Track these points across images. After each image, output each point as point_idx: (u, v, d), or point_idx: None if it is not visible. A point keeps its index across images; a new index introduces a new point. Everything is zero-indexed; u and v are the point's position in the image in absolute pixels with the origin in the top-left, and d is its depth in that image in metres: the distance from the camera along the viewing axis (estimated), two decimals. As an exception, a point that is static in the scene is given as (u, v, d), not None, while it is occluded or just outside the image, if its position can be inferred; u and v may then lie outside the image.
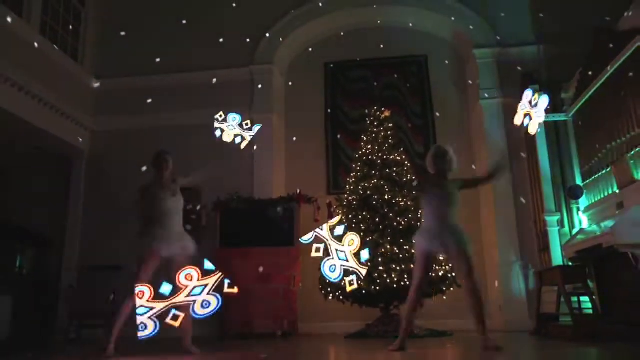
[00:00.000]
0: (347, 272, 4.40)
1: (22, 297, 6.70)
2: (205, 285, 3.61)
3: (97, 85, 8.23)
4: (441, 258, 5.97)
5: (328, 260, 4.30)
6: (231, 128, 5.11)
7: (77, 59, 7.99)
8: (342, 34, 8.43)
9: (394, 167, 6.62)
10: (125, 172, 7.38)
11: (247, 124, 5.12)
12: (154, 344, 5.29)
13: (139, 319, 3.53)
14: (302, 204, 7.01)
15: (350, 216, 6.51)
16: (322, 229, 4.36)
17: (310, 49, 8.52)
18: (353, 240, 4.33)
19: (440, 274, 6.04)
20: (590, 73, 5.99)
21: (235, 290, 3.77)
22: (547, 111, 6.74)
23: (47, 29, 7.31)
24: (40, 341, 6.70)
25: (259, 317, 6.49)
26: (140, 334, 3.52)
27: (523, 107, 4.66)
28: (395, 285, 5.93)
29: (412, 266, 6.01)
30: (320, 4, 8.15)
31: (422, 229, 4.45)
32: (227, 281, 3.71)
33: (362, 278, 4.45)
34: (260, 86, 7.95)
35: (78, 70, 7.94)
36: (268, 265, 6.59)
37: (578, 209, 6.47)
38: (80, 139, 7.83)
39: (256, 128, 5.12)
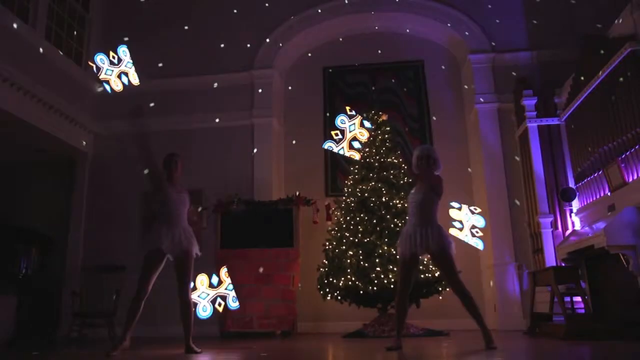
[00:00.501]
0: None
1: (26, 297, 6.80)
2: None
3: (100, 89, 8.34)
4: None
5: None
6: (109, 72, 4.66)
7: (81, 64, 8.10)
8: (340, 39, 8.57)
9: (391, 169, 6.73)
10: (128, 175, 7.53)
11: (113, 57, 4.70)
12: (154, 344, 5.41)
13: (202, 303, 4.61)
14: (300, 206, 7.11)
15: (348, 218, 6.62)
16: None
17: (310, 54, 8.66)
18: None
19: (437, 274, 6.14)
20: (582, 78, 6.08)
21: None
22: (540, 115, 6.97)
23: (52, 34, 7.42)
24: (44, 340, 6.80)
25: (258, 316, 6.60)
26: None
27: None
28: (392, 286, 6.02)
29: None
30: (320, 10, 8.28)
31: (402, 231, 4.44)
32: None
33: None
34: (260, 90, 8.07)
35: (82, 74, 8.04)
36: (268, 265, 6.70)
37: (571, 211, 6.56)
38: (84, 142, 7.94)
39: (122, 50, 4.68)
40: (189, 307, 4.34)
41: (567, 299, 5.89)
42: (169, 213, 4.37)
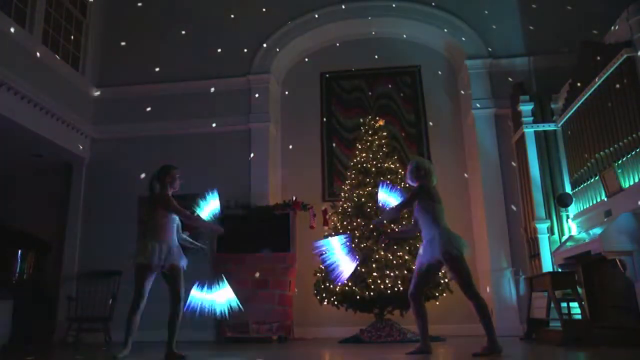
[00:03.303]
0: None
1: (22, 301, 6.77)
2: None
3: (97, 93, 8.33)
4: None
5: None
6: None
7: (78, 68, 8.08)
8: (337, 44, 8.58)
9: (387, 175, 6.73)
10: (125, 179, 7.53)
11: None
12: (144, 348, 5.38)
13: None
14: (297, 210, 7.11)
15: (345, 223, 6.62)
16: None
17: (307, 59, 8.67)
18: None
19: (433, 279, 6.13)
20: (578, 84, 6.10)
21: None
22: (536, 121, 7.00)
23: (49, 38, 7.39)
24: (39, 345, 6.77)
25: (255, 322, 6.58)
26: None
27: None
28: (389, 291, 6.03)
29: (405, 272, 6.14)
30: (317, 15, 8.29)
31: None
32: None
33: None
34: (257, 95, 8.07)
35: (79, 79, 8.03)
36: (264, 270, 6.69)
37: (567, 217, 6.56)
38: (81, 147, 7.91)
39: None
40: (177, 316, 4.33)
41: (564, 304, 5.88)
42: (163, 229, 4.37)
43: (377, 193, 5.14)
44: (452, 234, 4.23)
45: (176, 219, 4.48)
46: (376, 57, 8.39)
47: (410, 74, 8.47)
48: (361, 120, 7.40)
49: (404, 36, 8.47)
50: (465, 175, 7.90)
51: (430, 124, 8.18)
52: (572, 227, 6.49)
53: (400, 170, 6.82)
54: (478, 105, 7.61)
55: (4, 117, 6.38)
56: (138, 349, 4.71)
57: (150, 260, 4.24)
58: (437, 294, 6.24)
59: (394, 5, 8.17)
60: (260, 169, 7.77)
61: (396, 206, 4.63)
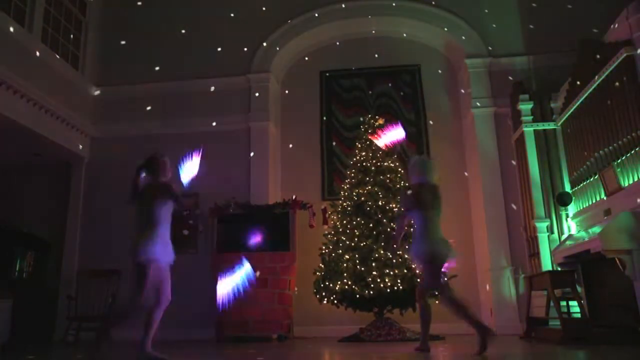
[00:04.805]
0: None
1: (21, 301, 6.77)
2: None
3: (97, 92, 8.33)
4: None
5: None
6: None
7: (77, 67, 8.08)
8: (337, 43, 8.59)
9: (387, 173, 6.74)
10: (125, 179, 7.47)
11: None
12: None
13: None
14: (297, 209, 7.10)
15: (344, 222, 6.62)
16: None
17: (307, 58, 8.67)
18: None
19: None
20: (578, 83, 6.10)
21: None
22: (536, 119, 7.00)
23: (49, 37, 7.39)
24: (39, 344, 6.77)
25: (254, 320, 6.58)
26: None
27: None
28: (388, 290, 6.03)
29: (405, 271, 6.15)
30: (317, 14, 8.29)
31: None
32: None
33: None
34: (257, 94, 8.07)
35: (78, 78, 8.03)
36: (264, 269, 6.69)
37: (567, 216, 6.56)
38: (81, 146, 7.92)
39: None
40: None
41: (563, 303, 5.88)
42: (160, 221, 4.19)
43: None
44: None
45: None
46: (376, 56, 8.40)
47: (410, 73, 8.47)
48: (361, 119, 7.40)
49: (404, 35, 8.47)
50: (465, 174, 7.90)
51: (430, 122, 8.18)
52: (571, 226, 6.49)
53: (399, 169, 6.82)
54: (478, 104, 7.61)
55: (3, 117, 6.39)
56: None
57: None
58: (436, 293, 6.23)
59: (393, 4, 8.16)
60: (259, 167, 7.78)
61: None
